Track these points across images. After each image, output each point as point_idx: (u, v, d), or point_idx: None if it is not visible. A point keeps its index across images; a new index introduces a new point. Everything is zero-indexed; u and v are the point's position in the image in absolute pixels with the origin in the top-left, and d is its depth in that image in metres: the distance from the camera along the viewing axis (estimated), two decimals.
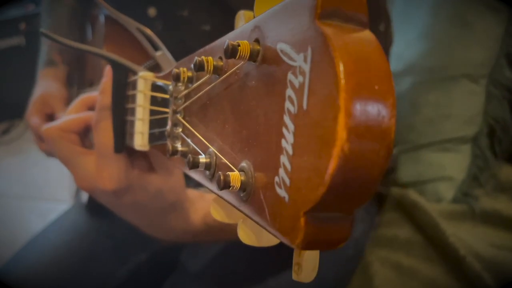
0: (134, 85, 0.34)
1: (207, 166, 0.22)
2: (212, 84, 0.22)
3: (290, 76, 0.16)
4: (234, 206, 0.20)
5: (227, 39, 0.20)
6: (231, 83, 0.21)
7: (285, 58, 0.16)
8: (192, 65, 0.21)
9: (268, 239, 0.21)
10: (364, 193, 0.14)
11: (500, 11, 0.73)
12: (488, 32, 0.74)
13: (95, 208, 0.65)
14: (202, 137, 0.24)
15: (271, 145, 0.17)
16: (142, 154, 0.38)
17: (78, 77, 0.74)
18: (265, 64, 0.18)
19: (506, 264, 0.59)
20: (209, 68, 0.21)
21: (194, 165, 0.21)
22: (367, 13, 0.15)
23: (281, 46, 0.17)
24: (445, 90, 0.76)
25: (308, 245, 0.15)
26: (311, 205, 0.14)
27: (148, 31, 0.38)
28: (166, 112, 0.29)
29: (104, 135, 0.35)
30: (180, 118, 0.27)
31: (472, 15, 0.74)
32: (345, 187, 0.14)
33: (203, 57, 0.21)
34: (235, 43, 0.18)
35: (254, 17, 0.20)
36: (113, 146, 0.35)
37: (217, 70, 0.21)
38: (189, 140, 0.25)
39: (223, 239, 0.53)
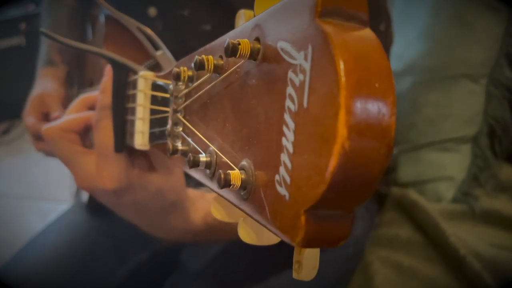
0: (134, 85, 0.34)
1: (208, 165, 0.22)
2: (213, 83, 0.22)
3: (290, 74, 0.16)
4: (235, 205, 0.20)
5: (227, 38, 0.20)
6: (232, 81, 0.21)
7: (285, 57, 0.16)
8: (192, 64, 0.21)
9: (268, 237, 0.21)
10: (364, 191, 0.14)
11: (500, 11, 0.73)
12: (488, 32, 0.74)
13: (95, 207, 0.65)
14: (203, 136, 0.24)
15: (272, 143, 0.17)
16: (142, 154, 0.38)
17: (78, 77, 0.74)
18: (265, 63, 0.18)
19: (506, 264, 0.59)
20: (209, 67, 0.21)
21: (195, 164, 0.21)
22: (367, 12, 0.16)
23: (281, 45, 0.17)
24: (445, 90, 0.76)
25: (308, 243, 0.15)
26: (312, 203, 0.14)
27: (149, 31, 0.38)
28: (167, 111, 0.29)
29: (105, 134, 0.35)
30: (181, 117, 0.27)
31: (472, 15, 0.74)
32: (346, 184, 0.14)
33: (203, 56, 0.21)
34: (235, 41, 0.18)
35: (254, 16, 0.20)
36: (113, 146, 0.35)
37: (218, 69, 0.21)
38: (189, 139, 0.25)
39: (224, 239, 0.53)
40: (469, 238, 0.63)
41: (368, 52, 0.14)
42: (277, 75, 0.17)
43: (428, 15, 0.79)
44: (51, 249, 0.65)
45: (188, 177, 0.38)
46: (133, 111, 0.34)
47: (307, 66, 0.15)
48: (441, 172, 0.74)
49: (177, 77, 0.25)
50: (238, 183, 0.18)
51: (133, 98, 0.34)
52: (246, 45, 0.18)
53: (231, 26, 0.23)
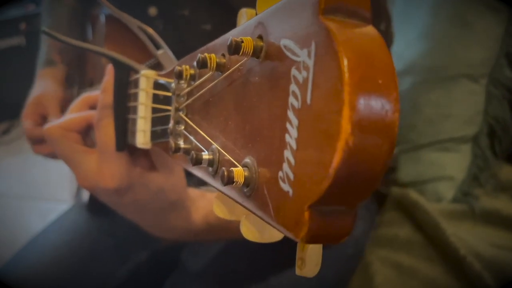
0: (136, 84, 0.34)
1: (210, 163, 0.22)
2: (215, 81, 0.23)
3: (293, 71, 0.16)
4: (238, 202, 0.20)
5: (230, 36, 0.20)
6: (234, 79, 0.21)
7: (288, 54, 0.16)
8: (194, 63, 0.21)
9: (270, 234, 0.21)
10: (367, 187, 0.15)
11: (500, 11, 0.73)
12: (488, 32, 0.74)
13: (95, 207, 0.65)
14: (205, 134, 0.24)
15: (275, 140, 0.17)
16: (144, 153, 0.38)
17: (79, 77, 0.74)
18: (268, 60, 0.18)
19: (506, 264, 0.59)
20: (212, 65, 0.21)
21: (197, 161, 0.22)
22: (369, 9, 0.16)
23: (284, 42, 0.17)
24: (445, 90, 0.76)
25: (312, 239, 0.15)
26: (315, 199, 0.14)
27: (150, 30, 0.38)
28: (168, 110, 0.29)
29: (106, 133, 0.35)
30: (183, 115, 0.27)
31: (472, 15, 0.74)
32: (349, 180, 0.14)
33: (206, 54, 0.21)
34: (238, 39, 0.18)
35: (256, 14, 0.20)
36: (115, 145, 0.35)
37: (220, 67, 0.22)
38: (191, 137, 0.26)
39: (224, 238, 0.53)
40: (469, 238, 0.63)
41: (371, 49, 0.14)
42: (280, 72, 0.17)
43: (428, 15, 0.79)
44: (51, 249, 0.65)
45: (189, 177, 0.38)
46: (134, 110, 0.34)
47: (310, 63, 0.15)
48: (441, 172, 0.74)
49: (179, 76, 0.25)
50: (241, 180, 0.18)
51: (135, 97, 0.35)
52: (249, 43, 0.18)
53: (231, 25, 0.24)
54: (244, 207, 0.19)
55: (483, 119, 0.74)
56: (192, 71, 0.25)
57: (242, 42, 0.18)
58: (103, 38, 0.54)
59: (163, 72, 0.33)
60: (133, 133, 0.34)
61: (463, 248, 0.60)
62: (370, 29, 0.15)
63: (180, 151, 0.26)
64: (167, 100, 0.30)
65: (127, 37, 0.41)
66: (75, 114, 0.40)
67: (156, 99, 0.33)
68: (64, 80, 0.72)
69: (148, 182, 0.37)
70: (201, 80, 0.24)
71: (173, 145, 0.26)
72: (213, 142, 0.22)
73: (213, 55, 0.21)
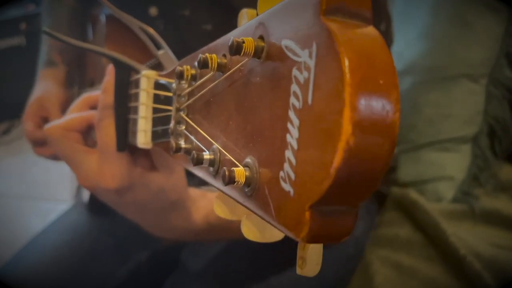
0: (137, 84, 0.35)
1: (211, 163, 0.22)
2: (216, 81, 0.23)
3: (295, 71, 0.16)
4: (239, 202, 0.20)
5: (231, 36, 0.20)
6: (235, 80, 0.21)
7: (289, 54, 0.17)
8: (196, 63, 0.21)
9: (271, 234, 0.21)
10: (368, 187, 0.15)
11: (500, 11, 0.73)
12: (488, 32, 0.74)
13: (96, 207, 0.65)
14: (206, 134, 0.24)
15: (276, 140, 0.17)
16: (144, 153, 0.38)
17: (79, 77, 0.74)
18: (269, 61, 0.18)
19: (506, 264, 0.59)
20: (213, 65, 0.21)
21: (198, 161, 0.22)
22: (370, 9, 0.16)
23: (285, 43, 0.17)
24: (445, 90, 0.76)
25: (313, 239, 0.15)
26: (316, 199, 0.14)
27: (151, 30, 0.38)
28: (169, 110, 0.29)
29: (107, 133, 0.35)
30: (184, 115, 0.27)
31: (472, 15, 0.74)
32: (350, 180, 0.14)
33: (207, 54, 0.21)
34: (239, 39, 0.18)
35: (257, 15, 0.20)
36: (115, 145, 0.35)
37: (221, 67, 0.22)
38: (192, 137, 0.26)
39: (225, 238, 0.53)
40: (469, 238, 0.63)
41: (372, 49, 0.15)
42: (281, 72, 0.17)
43: (428, 15, 0.79)
44: (51, 249, 0.65)
45: (189, 176, 0.38)
46: (135, 110, 0.34)
47: (311, 63, 0.15)
48: (441, 172, 0.74)
49: (180, 76, 0.25)
50: (243, 180, 0.18)
51: (136, 97, 0.35)
52: (250, 43, 0.18)
53: (232, 26, 0.24)
54: (245, 207, 0.19)
55: (483, 119, 0.74)
56: (193, 71, 0.25)
57: (244, 42, 0.18)
58: (104, 38, 0.54)
59: (164, 72, 0.33)
60: (134, 133, 0.34)
61: (463, 248, 0.60)
62: (371, 30, 0.15)
63: (181, 151, 0.26)
64: (168, 100, 0.30)
65: (127, 37, 0.41)
66: (75, 114, 0.40)
67: (157, 99, 0.33)
68: (65, 80, 0.72)
69: (148, 182, 0.37)
70: (202, 80, 0.24)
71: (174, 145, 0.26)
72: (214, 142, 0.22)
73: (214, 55, 0.21)
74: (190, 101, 0.26)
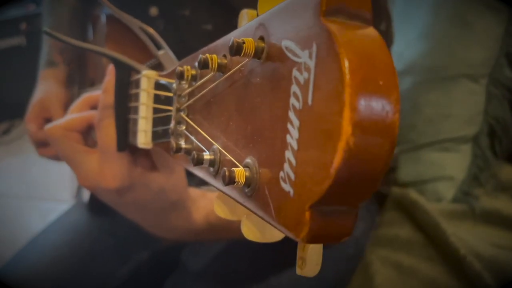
0: (137, 84, 0.35)
1: (212, 163, 0.22)
2: (216, 82, 0.23)
3: (295, 72, 0.16)
4: (239, 202, 0.20)
5: (232, 37, 0.20)
6: (236, 80, 0.21)
7: (290, 55, 0.17)
8: (196, 63, 0.22)
9: (271, 234, 0.21)
10: (368, 187, 0.15)
11: (500, 11, 0.73)
12: (488, 32, 0.74)
13: (96, 207, 0.65)
14: (206, 134, 0.24)
15: (276, 140, 0.17)
16: (145, 153, 0.38)
17: (79, 77, 0.74)
18: (269, 61, 0.18)
19: (506, 264, 0.59)
20: (213, 66, 0.21)
21: (199, 161, 0.22)
22: (371, 10, 0.16)
23: (286, 43, 0.17)
24: (445, 90, 0.76)
25: (313, 239, 0.15)
26: (316, 199, 0.14)
27: (151, 30, 0.38)
28: (170, 110, 0.29)
29: (107, 133, 0.35)
30: (184, 116, 0.27)
31: (472, 15, 0.74)
32: (350, 180, 0.14)
33: (207, 55, 0.21)
34: (240, 40, 0.18)
35: (257, 15, 0.20)
36: (116, 145, 0.35)
37: (221, 68, 0.22)
38: (192, 138, 0.26)
39: (225, 238, 0.53)
40: (469, 238, 0.63)
41: (372, 50, 0.15)
42: (282, 73, 0.17)
43: (428, 15, 0.79)
44: (51, 249, 0.65)
45: (189, 176, 0.38)
46: (135, 110, 0.35)
47: (311, 64, 0.15)
48: (441, 172, 0.74)
49: (180, 76, 0.25)
50: (243, 180, 0.18)
51: (136, 97, 0.35)
52: (250, 43, 0.18)
53: (232, 26, 0.24)
54: (245, 207, 0.19)
55: (483, 119, 0.74)
56: (193, 72, 0.25)
57: (244, 43, 0.18)
58: (104, 38, 0.54)
59: (164, 73, 0.33)
60: (134, 133, 0.35)
61: (463, 248, 0.60)
62: (371, 31, 0.15)
63: (181, 151, 0.26)
64: (168, 101, 0.30)
65: (128, 37, 0.41)
66: (76, 114, 0.40)
67: (157, 99, 0.33)
68: (66, 80, 0.72)
69: (149, 182, 0.37)
70: (202, 80, 0.24)
71: (174, 145, 0.26)
72: (214, 143, 0.23)
73: (214, 56, 0.21)
74: (190, 102, 0.26)
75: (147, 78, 0.33)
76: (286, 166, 0.16)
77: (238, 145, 0.20)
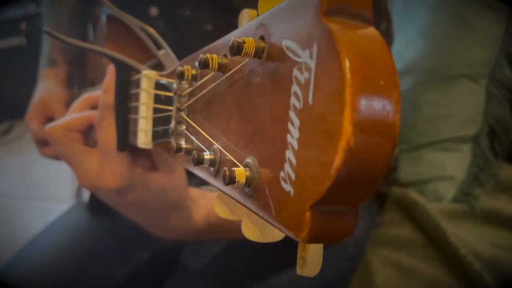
0: (137, 84, 0.35)
1: (212, 163, 0.22)
2: (217, 82, 0.23)
3: (295, 72, 0.16)
4: (239, 202, 0.20)
5: (232, 37, 0.20)
6: (236, 80, 0.21)
7: (290, 55, 0.17)
8: (196, 63, 0.21)
9: (272, 234, 0.21)
10: (369, 187, 0.15)
11: (500, 11, 0.73)
12: (488, 32, 0.74)
13: (96, 207, 0.65)
14: (207, 134, 0.24)
15: (276, 140, 0.17)
16: (145, 153, 0.38)
17: (79, 77, 0.74)
18: (270, 61, 0.18)
19: (506, 264, 0.59)
20: (214, 66, 0.21)
21: (199, 161, 0.22)
22: (371, 10, 0.16)
23: (286, 43, 0.17)
24: (445, 90, 0.76)
25: (313, 239, 0.15)
26: (317, 199, 0.14)
27: (151, 30, 0.38)
28: (170, 110, 0.29)
29: (107, 133, 0.35)
30: (184, 115, 0.27)
31: (472, 15, 0.74)
32: (351, 180, 0.14)
33: (207, 54, 0.21)
34: (240, 40, 0.18)
35: (258, 15, 0.20)
36: (116, 145, 0.35)
37: (222, 68, 0.22)
38: (193, 137, 0.26)
39: (225, 238, 0.53)
40: (469, 238, 0.63)
41: (373, 50, 0.15)
42: (282, 73, 0.17)
43: (428, 15, 0.79)
44: (51, 249, 0.65)
45: (189, 176, 0.38)
46: (136, 110, 0.35)
47: (312, 64, 0.15)
48: (441, 172, 0.74)
49: (180, 76, 0.25)
50: (243, 180, 0.18)
51: (136, 97, 0.35)
52: (251, 43, 0.18)
53: (232, 26, 0.24)
54: (246, 207, 0.19)
55: (483, 119, 0.74)
56: (193, 72, 0.25)
57: (244, 43, 0.18)
58: (104, 38, 0.54)
59: (164, 73, 0.33)
60: (135, 133, 0.35)
61: (463, 248, 0.60)
62: (371, 31, 0.15)
63: (182, 151, 0.26)
64: (168, 100, 0.30)
65: (128, 37, 0.41)
66: (76, 114, 0.40)
67: (157, 99, 0.33)
68: (66, 80, 0.72)
69: (149, 182, 0.37)
70: (202, 80, 0.24)
71: (174, 145, 0.26)
72: (214, 142, 0.23)
73: (215, 56, 0.21)
74: (190, 101, 0.26)
75: (147, 78, 0.33)
76: (286, 166, 0.16)
77: (238, 145, 0.20)
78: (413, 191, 0.73)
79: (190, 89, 0.26)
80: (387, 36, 0.60)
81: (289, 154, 0.16)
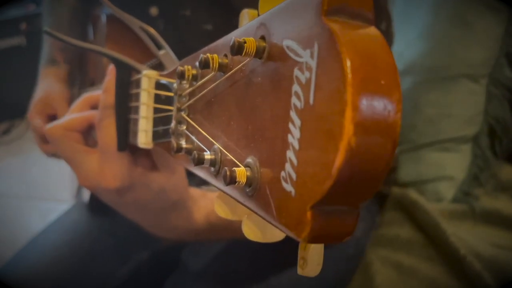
0: (137, 84, 0.35)
1: (212, 163, 0.22)
2: (217, 82, 0.23)
3: (296, 72, 0.16)
4: (240, 202, 0.20)
5: (233, 36, 0.20)
6: (237, 80, 0.21)
7: (291, 55, 0.17)
8: (197, 63, 0.21)
9: (272, 234, 0.21)
10: (370, 187, 0.15)
11: (500, 11, 0.73)
12: (488, 32, 0.74)
13: (96, 206, 0.65)
14: (207, 134, 0.24)
15: (277, 140, 0.17)
16: (145, 153, 0.38)
17: (80, 76, 0.74)
18: (271, 61, 0.18)
19: (506, 264, 0.59)
20: (214, 66, 0.21)
21: (199, 161, 0.22)
22: (372, 10, 0.16)
23: (287, 43, 0.17)
24: (445, 90, 0.76)
25: (314, 239, 0.15)
26: (318, 199, 0.14)
27: (152, 30, 0.38)
28: (170, 110, 0.29)
29: (108, 133, 0.35)
30: (185, 115, 0.27)
31: (472, 15, 0.74)
32: (352, 180, 0.14)
33: (208, 54, 0.21)
34: (241, 40, 0.18)
35: (258, 15, 0.20)
36: (116, 145, 0.35)
37: (222, 68, 0.22)
38: (193, 137, 0.26)
39: (226, 238, 0.53)
40: (469, 238, 0.63)
41: (374, 50, 0.15)
42: (283, 73, 0.17)
43: (428, 15, 0.79)
44: (51, 249, 0.65)
45: (190, 176, 0.38)
46: (136, 110, 0.35)
47: (313, 63, 0.15)
48: (441, 172, 0.74)
49: (181, 76, 0.25)
50: (244, 180, 0.18)
51: (136, 97, 0.35)
52: (251, 43, 0.18)
53: (232, 26, 0.24)
54: (246, 207, 0.19)
55: (483, 119, 0.74)
56: (194, 72, 0.25)
57: (245, 42, 0.18)
58: (104, 38, 0.54)
59: (165, 72, 0.33)
60: (135, 133, 0.34)
61: (463, 248, 0.60)
62: (372, 30, 0.15)
63: (182, 151, 0.26)
64: (169, 100, 0.30)
65: (128, 37, 0.41)
66: (76, 114, 0.40)
67: (158, 99, 0.33)
68: (67, 79, 0.72)
69: (149, 182, 0.37)
70: (203, 80, 0.24)
71: (175, 145, 0.26)
72: (215, 142, 0.23)
73: (215, 56, 0.21)
74: (191, 101, 0.26)
75: (147, 78, 0.33)
76: (287, 165, 0.16)
77: (239, 144, 0.20)
78: (413, 191, 0.73)
79: (190, 89, 0.26)
80: (387, 36, 0.60)
81: (290, 154, 0.16)
